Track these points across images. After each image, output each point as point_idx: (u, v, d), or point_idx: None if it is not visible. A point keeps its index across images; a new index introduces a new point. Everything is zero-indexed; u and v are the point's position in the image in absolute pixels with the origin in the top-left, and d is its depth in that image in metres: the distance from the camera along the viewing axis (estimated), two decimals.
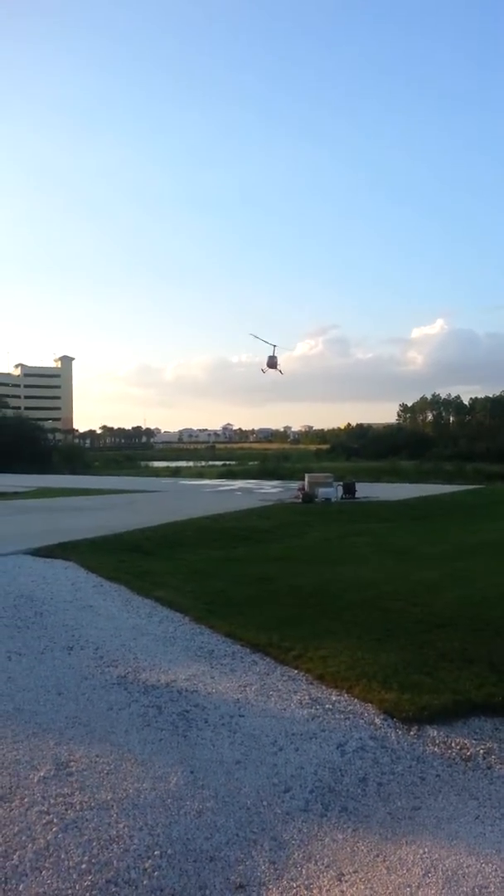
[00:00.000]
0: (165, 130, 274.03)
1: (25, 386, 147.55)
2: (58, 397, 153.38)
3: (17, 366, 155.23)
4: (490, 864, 3.68)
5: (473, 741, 5.19)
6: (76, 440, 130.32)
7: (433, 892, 3.46)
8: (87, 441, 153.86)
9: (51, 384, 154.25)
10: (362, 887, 3.52)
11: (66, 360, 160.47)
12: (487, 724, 5.49)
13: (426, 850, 3.83)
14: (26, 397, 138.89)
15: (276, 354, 46.07)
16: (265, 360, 46.27)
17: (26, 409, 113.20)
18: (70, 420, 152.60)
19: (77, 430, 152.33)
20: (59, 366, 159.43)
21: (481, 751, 5.03)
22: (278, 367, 46.95)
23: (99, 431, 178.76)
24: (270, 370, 46.91)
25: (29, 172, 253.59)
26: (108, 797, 4.34)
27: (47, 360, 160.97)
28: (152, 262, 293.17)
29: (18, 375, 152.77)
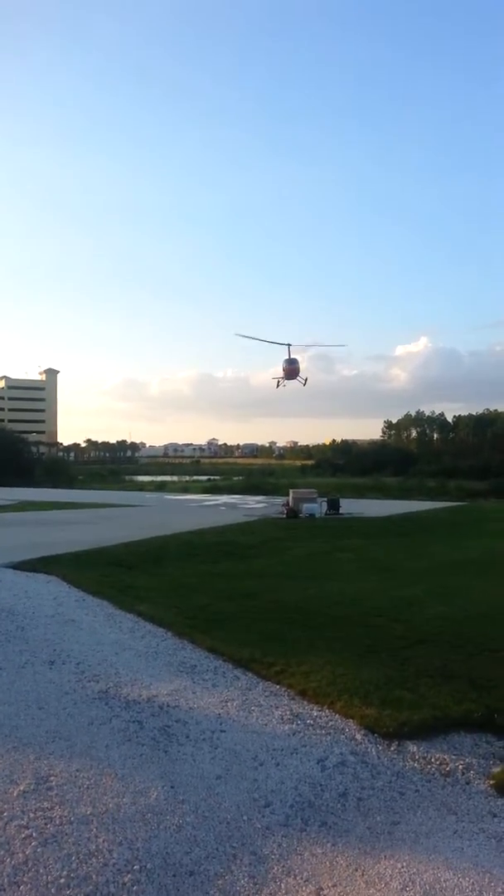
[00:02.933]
0: (155, 145, 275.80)
1: (9, 398, 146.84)
2: (42, 410, 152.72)
3: (0, 378, 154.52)
4: (467, 879, 3.71)
5: (453, 756, 5.23)
6: (60, 454, 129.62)
7: None
8: (72, 455, 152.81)
9: (35, 397, 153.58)
10: None
11: (51, 373, 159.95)
12: (467, 740, 5.54)
13: (404, 864, 3.86)
14: (10, 410, 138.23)
15: (295, 357, 37.20)
16: (280, 370, 37.09)
17: (10, 421, 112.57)
18: (54, 433, 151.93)
19: (61, 444, 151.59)
20: (44, 379, 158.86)
21: (460, 766, 5.07)
22: (300, 376, 37.44)
23: (83, 445, 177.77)
24: (290, 382, 37.40)
25: (17, 185, 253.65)
26: (88, 811, 4.33)
27: (32, 373, 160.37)
28: (137, 276, 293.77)
29: (2, 388, 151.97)
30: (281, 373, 37.50)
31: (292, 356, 37.89)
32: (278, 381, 37.86)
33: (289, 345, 37.59)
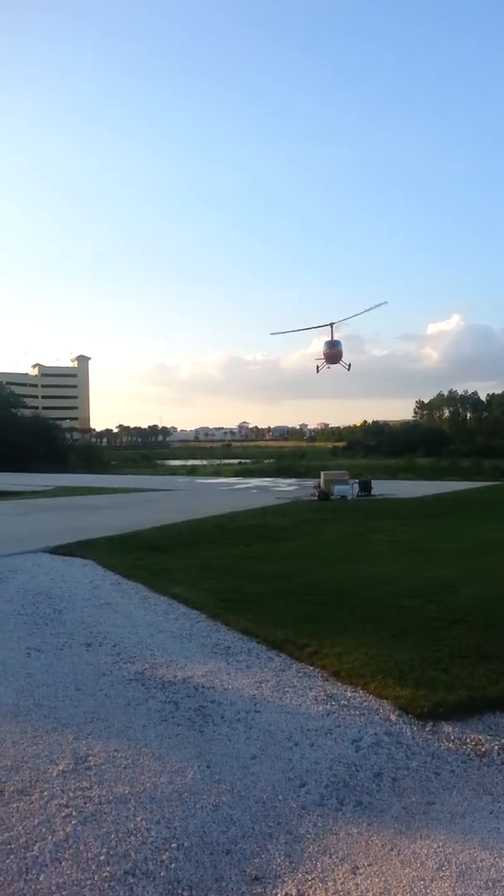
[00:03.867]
0: (180, 128, 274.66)
1: (43, 386, 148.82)
2: (75, 397, 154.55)
3: (34, 366, 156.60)
4: None
5: (488, 737, 5.20)
6: (93, 439, 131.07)
7: (447, 885, 3.50)
8: (104, 440, 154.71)
9: (68, 384, 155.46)
10: (376, 880, 3.56)
11: (83, 360, 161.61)
12: (502, 720, 5.50)
13: (440, 844, 3.86)
14: (44, 397, 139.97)
15: (337, 340, 33.86)
16: (321, 352, 34.33)
17: (44, 408, 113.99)
18: (87, 419, 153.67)
19: (94, 430, 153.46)
20: (76, 365, 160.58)
21: (496, 747, 5.04)
22: (343, 360, 34.07)
23: (115, 430, 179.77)
24: (333, 366, 33.99)
25: (44, 174, 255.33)
26: (126, 791, 4.41)
27: (64, 360, 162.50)
28: (166, 261, 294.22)
29: (36, 375, 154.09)
30: (322, 357, 34.72)
31: (335, 338, 34.80)
32: (318, 366, 34.96)
33: (331, 324, 34.45)
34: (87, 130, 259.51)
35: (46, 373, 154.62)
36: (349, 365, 35.59)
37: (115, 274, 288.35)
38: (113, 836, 3.92)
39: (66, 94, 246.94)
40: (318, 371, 35.24)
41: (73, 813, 4.16)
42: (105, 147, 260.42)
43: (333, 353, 34.59)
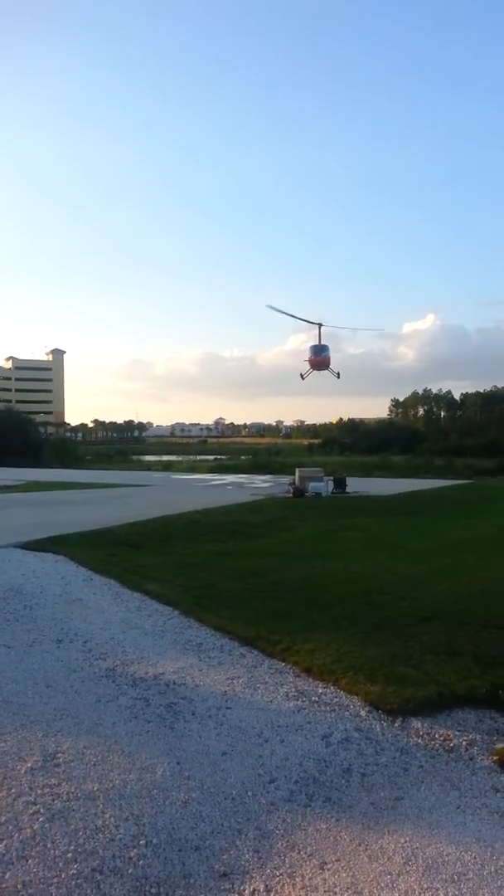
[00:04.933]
0: (160, 125, 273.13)
1: (16, 379, 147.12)
2: (49, 390, 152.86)
3: (7, 358, 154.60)
4: (469, 853, 3.75)
5: (457, 732, 5.27)
6: (67, 434, 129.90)
7: (413, 879, 3.53)
8: (79, 434, 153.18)
9: (42, 377, 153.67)
10: (344, 875, 3.58)
11: (58, 354, 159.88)
12: (471, 716, 5.57)
13: (407, 838, 3.90)
14: (17, 390, 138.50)
15: (325, 345, 31.22)
16: (307, 355, 31.56)
17: (17, 402, 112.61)
18: (61, 413, 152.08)
19: (68, 424, 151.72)
20: (51, 359, 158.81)
21: (464, 742, 5.11)
22: (331, 367, 31.51)
23: (90, 425, 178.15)
24: (317, 372, 31.39)
25: (21, 166, 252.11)
26: (95, 788, 4.39)
27: (39, 353, 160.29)
28: (142, 256, 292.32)
29: (9, 368, 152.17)
30: (307, 363, 31.94)
31: (322, 342, 32.00)
32: (303, 374, 32.50)
33: (319, 325, 32.01)
34: (67, 126, 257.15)
35: (20, 366, 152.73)
36: (338, 374, 33.55)
37: (91, 268, 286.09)
38: (81, 834, 3.89)
39: (51, 89, 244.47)
40: (302, 378, 32.71)
41: (41, 810, 4.13)
42: (85, 142, 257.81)
43: (319, 361, 32.02)
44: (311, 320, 32.63)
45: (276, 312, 36.19)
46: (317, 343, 31.78)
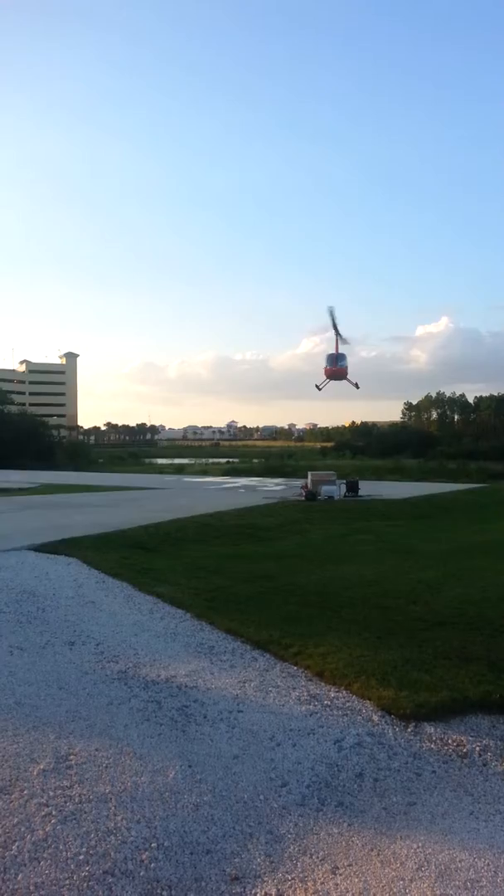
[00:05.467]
0: (170, 129, 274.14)
1: (30, 382, 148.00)
2: (62, 394, 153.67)
3: (21, 362, 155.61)
4: (483, 859, 3.72)
5: (470, 738, 5.23)
6: (80, 437, 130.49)
7: (426, 885, 3.51)
8: (92, 438, 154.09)
9: (55, 381, 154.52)
10: (356, 880, 3.56)
11: (71, 357, 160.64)
12: (484, 722, 5.53)
13: (420, 844, 3.87)
14: (31, 394, 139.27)
15: (342, 353, 30.39)
16: (323, 367, 31.00)
17: (31, 405, 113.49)
18: (74, 417, 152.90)
19: (81, 427, 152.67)
20: (64, 362, 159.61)
21: (477, 748, 5.07)
22: (349, 376, 30.67)
23: (103, 428, 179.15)
24: (333, 382, 30.74)
25: (36, 170, 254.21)
26: (107, 790, 4.39)
27: (52, 357, 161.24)
28: (156, 260, 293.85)
29: (23, 372, 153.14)
30: (325, 374, 30.98)
31: (340, 350, 31.30)
32: (319, 386, 31.77)
33: (338, 333, 31.02)
34: (81, 129, 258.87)
35: (34, 369, 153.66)
36: (356, 384, 32.54)
37: (105, 272, 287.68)
38: (93, 836, 3.90)
39: (63, 93, 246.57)
40: (318, 389, 31.87)
41: (53, 812, 4.14)
42: (99, 145, 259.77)
43: (336, 371, 30.95)
44: (341, 335, 31.60)
45: (331, 320, 33.54)
46: (333, 352, 30.89)
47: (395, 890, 3.48)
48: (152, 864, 3.66)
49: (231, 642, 7.67)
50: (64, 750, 4.96)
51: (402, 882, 3.54)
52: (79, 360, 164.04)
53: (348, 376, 31.37)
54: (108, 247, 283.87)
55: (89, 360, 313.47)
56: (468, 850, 3.81)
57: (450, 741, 5.18)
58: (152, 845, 3.82)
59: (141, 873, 3.58)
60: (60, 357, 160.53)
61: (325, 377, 31.27)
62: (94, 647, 7.45)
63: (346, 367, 31.22)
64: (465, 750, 5.04)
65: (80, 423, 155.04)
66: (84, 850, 3.77)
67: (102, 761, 4.79)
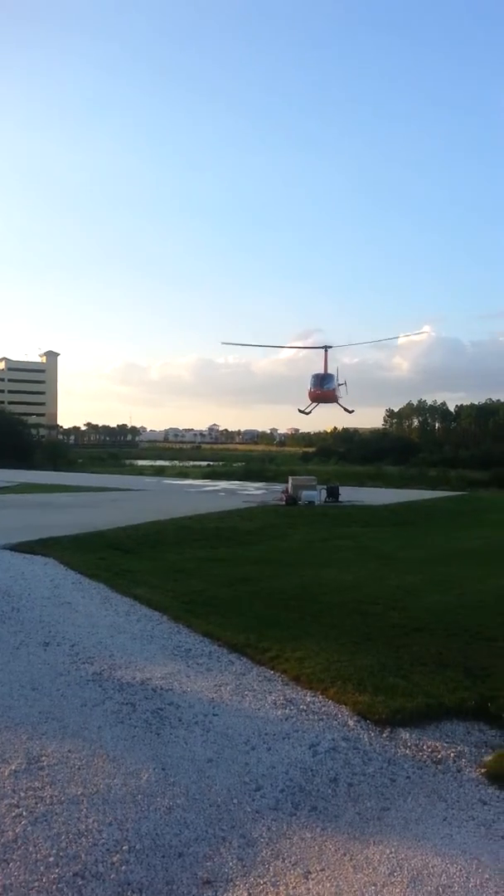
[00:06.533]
0: (157, 132, 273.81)
1: (9, 380, 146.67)
2: (42, 392, 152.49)
3: (0, 360, 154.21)
4: (455, 865, 3.72)
5: (445, 744, 5.24)
6: (60, 436, 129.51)
7: (398, 890, 3.50)
8: (72, 437, 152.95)
9: (35, 379, 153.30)
10: (328, 885, 3.54)
11: (52, 356, 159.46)
12: (459, 728, 5.54)
13: (393, 849, 3.87)
14: (10, 392, 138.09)
15: (330, 374, 27.60)
16: (309, 386, 27.80)
17: (10, 403, 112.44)
18: (54, 416, 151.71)
19: (61, 427, 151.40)
20: (44, 361, 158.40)
21: (452, 754, 5.08)
22: (339, 395, 27.61)
23: (83, 428, 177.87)
24: (320, 404, 27.59)
25: (18, 170, 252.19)
26: (79, 792, 4.34)
27: (32, 356, 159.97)
28: (139, 261, 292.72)
29: (3, 370, 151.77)
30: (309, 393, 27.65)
31: (328, 371, 27.99)
32: (304, 410, 28.61)
33: (325, 348, 28.54)
34: (66, 130, 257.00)
35: (14, 367, 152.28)
36: (352, 410, 29.68)
37: (87, 271, 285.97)
38: (63, 838, 3.85)
39: (53, 96, 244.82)
40: (303, 413, 28.52)
41: (24, 813, 4.08)
42: (82, 146, 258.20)
43: (322, 394, 27.53)
44: (314, 346, 29.60)
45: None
46: (322, 372, 27.94)
47: (367, 895, 3.46)
48: (123, 867, 3.61)
49: (208, 645, 7.63)
50: (36, 751, 4.90)
51: (374, 887, 3.53)
52: (59, 359, 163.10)
53: (340, 400, 28.46)
54: (91, 247, 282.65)
55: (70, 360, 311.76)
56: (441, 856, 3.81)
57: (425, 747, 5.18)
58: (124, 848, 3.78)
59: (112, 876, 3.54)
60: (41, 356, 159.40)
61: (309, 400, 28.28)
62: (69, 648, 7.38)
63: (334, 390, 28.31)
64: (439, 756, 5.05)
65: (59, 422, 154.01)
66: (55, 851, 3.72)
67: (75, 763, 4.73)
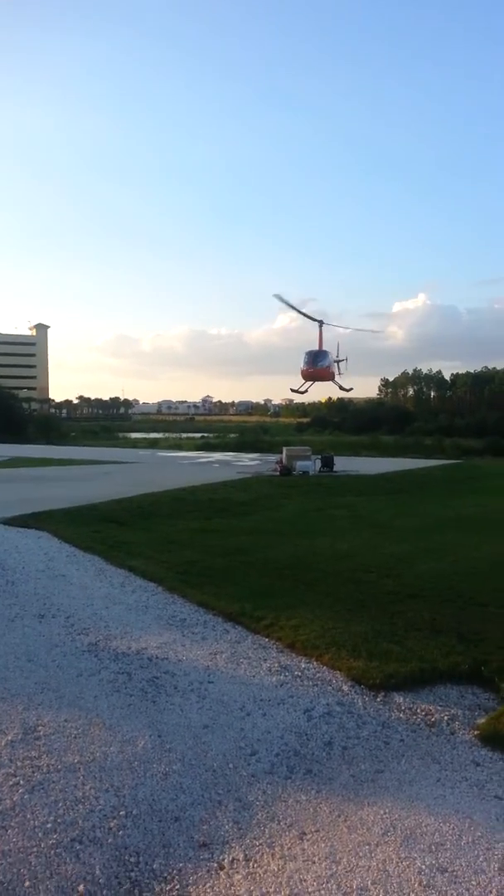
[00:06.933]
0: (146, 100, 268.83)
1: (0, 354, 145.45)
2: (33, 366, 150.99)
3: None
4: (447, 824, 3.77)
5: (438, 707, 5.29)
6: (52, 410, 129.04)
7: (391, 849, 3.55)
8: (64, 411, 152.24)
9: (26, 352, 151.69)
10: (323, 845, 3.59)
11: (42, 329, 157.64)
12: (453, 692, 5.60)
13: (386, 810, 3.92)
14: (1, 365, 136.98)
15: (324, 350, 26.63)
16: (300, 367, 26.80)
17: (1, 377, 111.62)
18: (46, 389, 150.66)
19: (53, 400, 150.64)
20: (35, 334, 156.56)
21: (445, 717, 5.13)
22: (336, 372, 26.36)
23: (76, 402, 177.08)
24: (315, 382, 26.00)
25: (6, 140, 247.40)
26: (76, 760, 4.38)
27: (22, 328, 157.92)
28: (130, 232, 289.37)
29: None
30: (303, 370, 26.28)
31: (322, 348, 26.98)
32: (296, 389, 27.37)
33: (320, 322, 27.88)
34: (53, 100, 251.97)
35: (3, 340, 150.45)
36: (349, 389, 28.46)
37: (77, 243, 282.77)
38: (61, 805, 3.88)
39: (37, 64, 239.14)
40: (296, 392, 27.05)
41: (21, 782, 4.11)
42: (72, 117, 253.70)
43: (315, 372, 26.50)
44: (313, 317, 28.17)
45: (280, 301, 31.01)
46: (316, 349, 26.59)
47: (360, 853, 3.51)
48: (120, 832, 3.65)
49: (203, 615, 7.66)
50: (32, 721, 4.93)
51: (367, 846, 3.58)
52: (50, 331, 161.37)
53: (337, 378, 27.02)
54: (80, 218, 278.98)
55: (61, 333, 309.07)
56: (434, 816, 3.86)
57: (418, 710, 5.24)
58: (121, 813, 3.82)
59: (109, 840, 3.58)
60: (31, 328, 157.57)
61: (302, 379, 26.93)
62: (65, 619, 7.41)
63: (328, 367, 26.87)
64: (433, 719, 5.10)
65: (51, 396, 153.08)
66: (52, 818, 3.75)
67: (71, 732, 4.77)
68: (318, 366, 26.83)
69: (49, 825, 3.69)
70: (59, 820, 3.74)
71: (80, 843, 3.55)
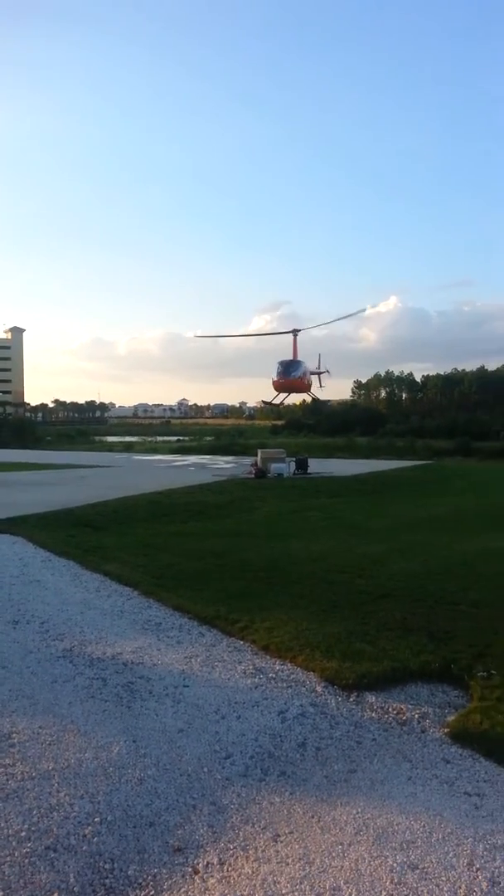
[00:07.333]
0: (120, 102, 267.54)
1: None
2: (8, 369, 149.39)
3: None
4: (418, 822, 3.84)
5: (410, 706, 5.38)
6: (27, 414, 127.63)
7: (363, 848, 3.61)
8: (39, 415, 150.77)
9: (1, 356, 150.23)
10: (297, 847, 3.64)
11: (17, 332, 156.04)
12: (424, 690, 5.70)
13: (359, 810, 3.98)
14: None
15: (297, 360, 25.09)
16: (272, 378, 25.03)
17: None
18: (21, 393, 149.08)
19: (28, 404, 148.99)
20: (10, 337, 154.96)
21: (416, 715, 5.22)
22: (311, 383, 24.38)
23: (51, 405, 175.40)
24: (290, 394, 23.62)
25: None
26: (50, 767, 4.37)
27: None
28: (103, 235, 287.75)
29: None
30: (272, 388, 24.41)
31: (296, 357, 25.32)
32: (268, 401, 24.59)
33: (294, 331, 26.29)
34: (21, 99, 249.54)
35: None
36: (328, 401, 27.85)
37: (52, 246, 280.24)
38: (35, 812, 3.88)
39: (8, 66, 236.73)
40: (267, 405, 24.93)
41: None
42: (45, 117, 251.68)
43: (287, 384, 24.31)
44: (282, 331, 26.34)
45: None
46: (290, 359, 24.84)
47: (334, 854, 3.57)
48: (95, 839, 3.67)
49: (178, 619, 7.68)
50: (6, 728, 4.91)
51: (340, 846, 3.63)
52: (25, 335, 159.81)
53: (314, 389, 25.40)
54: (54, 220, 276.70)
55: (36, 336, 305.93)
56: (405, 814, 3.93)
57: (390, 709, 5.32)
58: (95, 820, 3.83)
59: (84, 847, 3.59)
60: (5, 332, 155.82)
61: (274, 390, 24.84)
62: (39, 625, 7.38)
63: (303, 377, 24.80)
64: (404, 718, 5.19)
65: (26, 399, 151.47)
66: (26, 826, 3.75)
67: (46, 739, 4.76)
68: (290, 376, 25.60)
69: (23, 833, 3.69)
70: (33, 828, 3.74)
71: (55, 851, 3.55)
